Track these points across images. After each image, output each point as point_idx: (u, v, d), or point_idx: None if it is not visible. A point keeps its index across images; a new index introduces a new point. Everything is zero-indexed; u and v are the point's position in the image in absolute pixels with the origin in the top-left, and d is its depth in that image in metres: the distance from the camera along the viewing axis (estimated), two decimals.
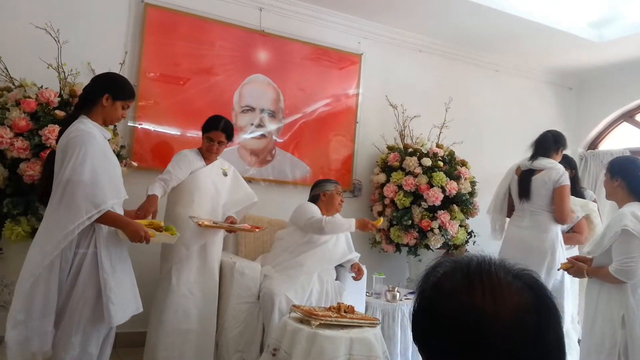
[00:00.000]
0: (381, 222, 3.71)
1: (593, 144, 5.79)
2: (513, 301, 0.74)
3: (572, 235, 3.71)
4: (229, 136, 3.20)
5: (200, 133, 3.24)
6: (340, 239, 3.53)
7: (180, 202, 3.05)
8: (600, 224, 3.74)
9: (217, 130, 3.13)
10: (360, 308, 3.35)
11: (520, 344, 0.72)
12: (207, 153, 3.18)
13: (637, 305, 2.48)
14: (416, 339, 0.82)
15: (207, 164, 3.18)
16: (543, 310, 0.76)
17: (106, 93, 2.40)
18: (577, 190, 4.03)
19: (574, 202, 3.63)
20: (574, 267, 2.72)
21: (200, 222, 2.93)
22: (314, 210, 3.42)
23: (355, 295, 3.43)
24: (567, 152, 5.08)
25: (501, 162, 5.26)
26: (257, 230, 3.20)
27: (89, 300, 2.26)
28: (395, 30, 4.75)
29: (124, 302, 2.35)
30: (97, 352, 2.34)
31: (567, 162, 4.06)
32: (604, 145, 5.73)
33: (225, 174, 3.28)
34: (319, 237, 3.39)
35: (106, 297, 2.26)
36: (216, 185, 3.18)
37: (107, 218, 2.28)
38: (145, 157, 3.81)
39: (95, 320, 2.28)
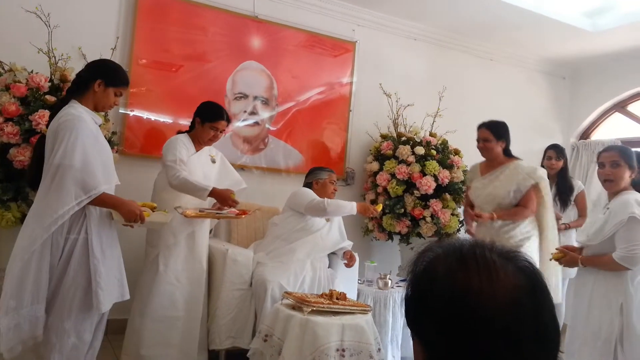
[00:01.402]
0: (381, 207, 3.72)
1: (585, 134, 5.81)
2: (509, 282, 0.74)
3: (516, 210, 3.26)
4: (229, 123, 3.23)
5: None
6: (334, 227, 3.54)
7: (168, 188, 3.02)
8: (551, 198, 3.33)
9: (223, 120, 3.13)
10: (352, 295, 3.37)
11: (519, 325, 0.73)
12: (209, 142, 3.17)
13: (635, 293, 2.51)
14: (411, 325, 0.82)
15: (196, 151, 3.16)
16: (538, 291, 0.76)
17: (99, 78, 2.38)
18: (566, 179, 4.06)
19: (522, 168, 3.27)
20: (567, 256, 2.72)
21: (185, 213, 2.91)
22: (313, 193, 3.42)
23: (347, 282, 3.45)
24: (559, 141, 5.12)
25: None
26: (243, 216, 3.17)
27: (81, 286, 2.26)
28: (390, 17, 4.72)
29: (111, 289, 2.35)
30: (90, 339, 2.34)
31: (559, 152, 4.08)
32: (596, 135, 5.76)
33: (213, 161, 3.26)
34: (312, 225, 3.40)
35: (95, 283, 2.25)
36: (204, 172, 3.16)
37: (101, 200, 2.27)
38: (137, 144, 3.78)
39: (87, 307, 2.27)
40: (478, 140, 3.38)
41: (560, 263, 2.79)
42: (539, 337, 0.74)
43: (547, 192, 3.27)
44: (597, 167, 2.80)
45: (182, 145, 3.05)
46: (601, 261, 2.58)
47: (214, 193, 2.95)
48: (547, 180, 3.30)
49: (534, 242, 3.24)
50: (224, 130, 3.18)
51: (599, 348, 2.53)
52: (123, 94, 2.52)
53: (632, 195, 2.58)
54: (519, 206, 3.25)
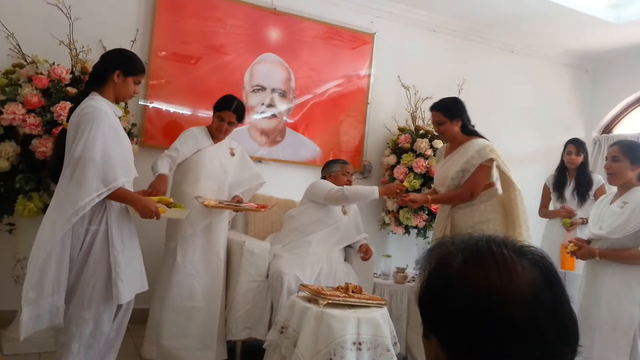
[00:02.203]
0: (407, 183, 3.43)
1: (607, 128, 5.70)
2: (527, 278, 0.74)
3: (452, 192, 3.02)
4: (240, 117, 3.19)
5: (212, 112, 3.23)
6: (350, 219, 3.53)
7: (187, 180, 3.06)
8: (513, 177, 3.03)
9: (229, 110, 3.12)
10: (368, 289, 3.37)
11: (540, 319, 0.73)
12: (217, 132, 3.17)
13: None
14: (428, 322, 0.81)
15: (215, 143, 3.17)
16: (555, 285, 0.76)
17: (117, 69, 2.39)
18: (586, 174, 3.99)
19: (473, 145, 3.02)
20: (582, 249, 2.75)
21: (205, 203, 2.93)
22: (331, 183, 3.40)
23: (363, 276, 3.45)
24: (580, 135, 5.03)
25: (514, 145, 5.25)
26: (263, 209, 3.19)
27: (101, 277, 2.29)
28: (408, 9, 4.67)
29: (132, 280, 2.38)
30: (108, 329, 2.38)
31: (579, 146, 4.02)
32: (619, 130, 5.65)
33: (232, 154, 3.27)
34: (329, 217, 3.39)
35: (115, 274, 2.28)
36: (223, 165, 3.18)
37: (118, 195, 2.29)
38: (156, 135, 3.82)
39: (107, 298, 2.31)
40: (433, 124, 3.18)
41: (575, 255, 2.80)
42: (560, 331, 0.74)
43: (506, 169, 3.00)
44: None
45: (190, 136, 3.09)
46: (624, 255, 2.61)
47: (158, 179, 2.80)
48: (499, 156, 3.01)
49: (491, 230, 2.91)
50: (232, 122, 3.14)
51: (617, 339, 2.59)
52: (141, 82, 2.53)
53: None
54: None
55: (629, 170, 2.70)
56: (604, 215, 2.75)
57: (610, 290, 2.65)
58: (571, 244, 2.80)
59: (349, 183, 3.52)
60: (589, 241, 2.79)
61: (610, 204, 2.78)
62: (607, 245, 2.67)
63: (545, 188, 4.18)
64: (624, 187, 2.73)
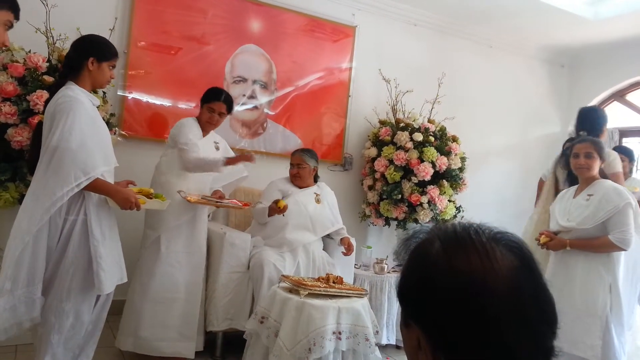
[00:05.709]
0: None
1: None
2: (507, 263, 0.74)
3: None
4: (230, 108, 3.20)
5: (192, 104, 3.20)
6: (324, 209, 3.53)
7: (173, 171, 3.03)
8: None
9: (219, 101, 3.12)
10: (348, 279, 3.39)
11: (524, 304, 0.73)
12: (207, 124, 3.16)
13: (620, 272, 2.77)
14: (412, 312, 0.79)
15: (203, 136, 3.16)
16: (533, 269, 0.77)
17: (91, 56, 2.33)
18: None
19: None
20: (554, 240, 2.87)
21: (188, 198, 2.91)
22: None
23: (344, 266, 3.47)
24: (556, 129, 5.13)
25: (491, 138, 5.33)
26: (245, 207, 3.19)
27: (80, 267, 2.26)
28: (390, 2, 4.70)
29: (112, 271, 2.36)
30: (88, 320, 2.36)
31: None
32: None
33: (217, 148, 3.26)
34: (303, 208, 3.41)
35: (96, 264, 2.26)
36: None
37: (97, 186, 2.26)
38: (135, 126, 3.77)
39: (86, 288, 2.28)
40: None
41: (547, 247, 2.90)
42: (542, 313, 0.75)
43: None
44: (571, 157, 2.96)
45: (194, 127, 3.08)
46: (594, 243, 2.76)
47: (227, 162, 3.04)
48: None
49: None
50: (222, 112, 3.16)
51: (591, 324, 2.72)
52: (116, 66, 2.48)
53: (612, 183, 2.81)
54: None
55: (598, 165, 2.88)
56: (570, 208, 2.89)
57: (582, 278, 2.78)
58: (543, 236, 2.92)
59: (296, 175, 3.52)
60: (556, 233, 2.92)
61: (574, 197, 2.92)
62: (577, 236, 2.81)
63: (542, 182, 4.22)
64: (587, 181, 2.88)
